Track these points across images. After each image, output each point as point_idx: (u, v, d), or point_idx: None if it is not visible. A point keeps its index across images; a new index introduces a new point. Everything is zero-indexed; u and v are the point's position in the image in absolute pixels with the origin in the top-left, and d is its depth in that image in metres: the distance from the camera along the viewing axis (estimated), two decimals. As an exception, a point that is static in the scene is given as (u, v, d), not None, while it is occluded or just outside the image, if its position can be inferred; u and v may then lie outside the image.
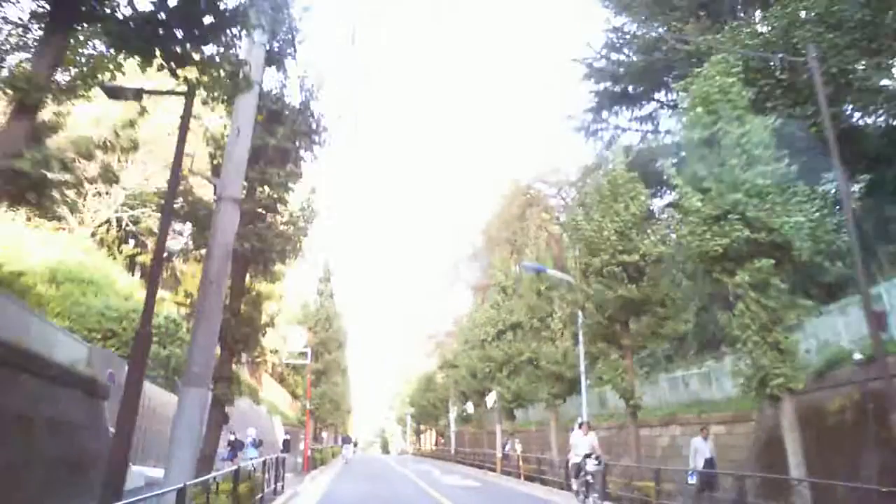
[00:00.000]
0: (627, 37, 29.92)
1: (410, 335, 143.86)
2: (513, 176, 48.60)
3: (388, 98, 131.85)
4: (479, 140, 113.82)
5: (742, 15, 22.70)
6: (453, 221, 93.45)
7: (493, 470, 27.48)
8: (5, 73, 5.29)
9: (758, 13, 21.58)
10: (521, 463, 23.61)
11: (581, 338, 18.71)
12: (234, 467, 11.78)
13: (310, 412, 26.02)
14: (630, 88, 34.81)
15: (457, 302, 68.23)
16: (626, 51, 32.60)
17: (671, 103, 34.89)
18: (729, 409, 16.89)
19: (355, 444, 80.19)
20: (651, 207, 17.55)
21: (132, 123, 9.01)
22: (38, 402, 9.19)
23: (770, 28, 15.80)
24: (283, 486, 16.94)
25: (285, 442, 36.07)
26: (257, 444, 23.56)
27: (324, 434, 49.31)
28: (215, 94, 6.21)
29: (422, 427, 64.02)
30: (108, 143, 10.53)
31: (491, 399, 40.39)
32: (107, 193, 31.63)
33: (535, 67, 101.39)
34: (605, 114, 35.36)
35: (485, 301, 31.32)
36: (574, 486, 15.14)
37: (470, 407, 39.29)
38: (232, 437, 20.97)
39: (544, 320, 21.01)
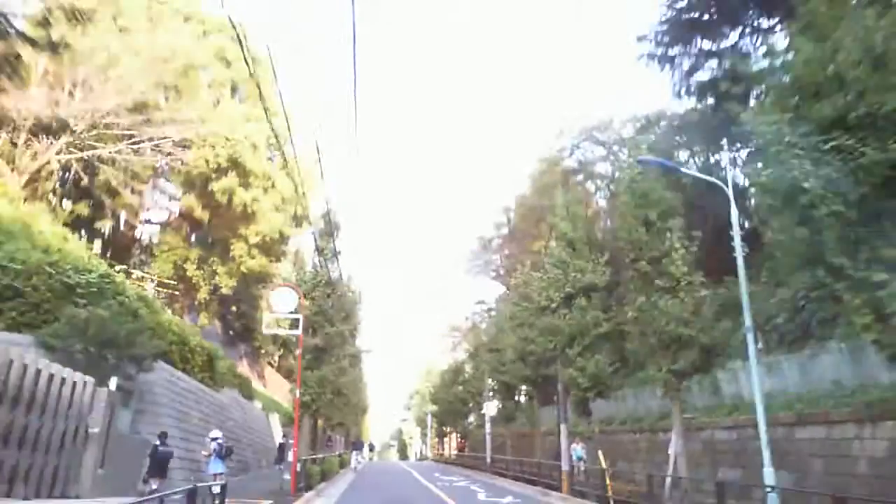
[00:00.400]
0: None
1: (431, 329, 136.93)
2: (556, 128, 40.44)
3: (407, 73, 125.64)
4: (505, 119, 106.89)
5: None
6: (478, 205, 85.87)
7: (555, 488, 20.02)
8: None
9: None
10: (608, 481, 16.12)
11: (742, 270, 11.22)
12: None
13: (302, 404, 18.78)
14: (710, 13, 27.62)
15: (482, 290, 61.22)
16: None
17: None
18: None
19: (371, 449, 72.76)
20: None
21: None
22: None
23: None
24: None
25: (280, 448, 28.58)
26: (224, 453, 16.31)
27: (332, 436, 41.95)
28: None
29: (445, 429, 56.37)
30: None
31: (492, 408, 32.23)
32: (48, 135, 24.52)
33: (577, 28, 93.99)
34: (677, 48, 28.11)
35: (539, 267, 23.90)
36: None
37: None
38: (157, 443, 13.73)
39: (657, 263, 13.57)
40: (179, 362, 21.85)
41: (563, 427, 19.94)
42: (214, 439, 16.33)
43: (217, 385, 26.73)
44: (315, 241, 18.23)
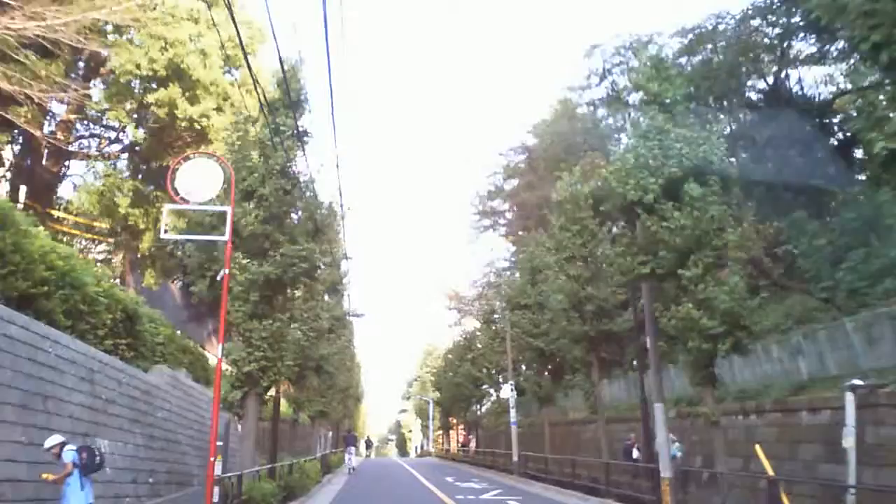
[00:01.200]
0: None
1: (431, 306, 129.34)
2: (586, 46, 32.49)
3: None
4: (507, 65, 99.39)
5: None
6: (484, 163, 77.94)
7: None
8: None
9: None
10: (785, 499, 8.71)
11: None
12: None
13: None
14: None
15: (488, 256, 54.36)
16: None
17: None
18: None
19: (368, 446, 64.94)
20: None
21: None
22: None
23: None
24: None
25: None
26: (91, 464, 8.51)
27: (319, 433, 34.17)
28: None
29: (451, 420, 48.61)
30: None
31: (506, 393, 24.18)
32: None
33: None
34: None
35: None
36: None
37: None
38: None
39: None
40: (64, 317, 14.22)
41: (658, 407, 12.43)
42: (55, 445, 8.43)
43: (145, 359, 18.86)
44: (263, 102, 10.38)
